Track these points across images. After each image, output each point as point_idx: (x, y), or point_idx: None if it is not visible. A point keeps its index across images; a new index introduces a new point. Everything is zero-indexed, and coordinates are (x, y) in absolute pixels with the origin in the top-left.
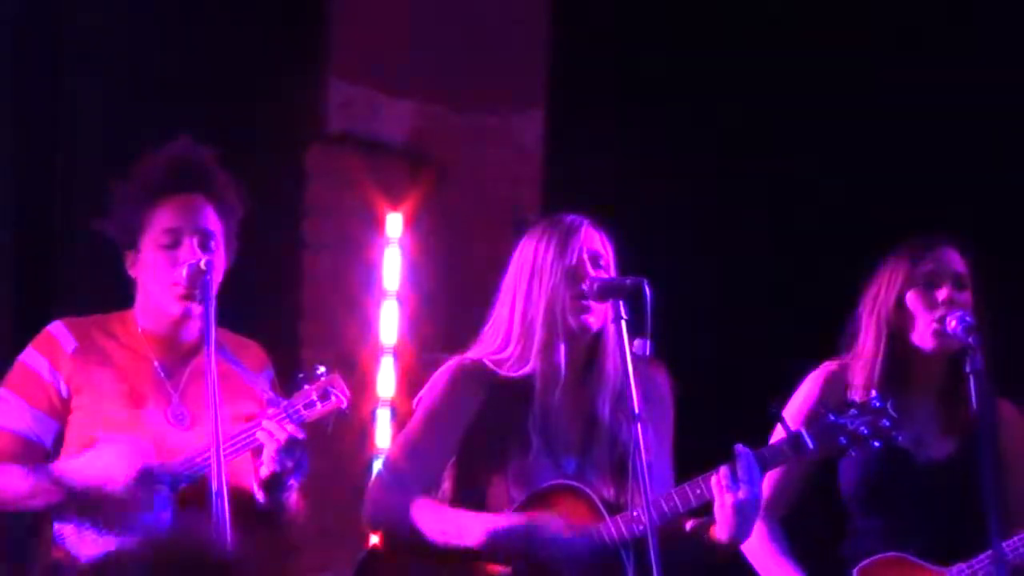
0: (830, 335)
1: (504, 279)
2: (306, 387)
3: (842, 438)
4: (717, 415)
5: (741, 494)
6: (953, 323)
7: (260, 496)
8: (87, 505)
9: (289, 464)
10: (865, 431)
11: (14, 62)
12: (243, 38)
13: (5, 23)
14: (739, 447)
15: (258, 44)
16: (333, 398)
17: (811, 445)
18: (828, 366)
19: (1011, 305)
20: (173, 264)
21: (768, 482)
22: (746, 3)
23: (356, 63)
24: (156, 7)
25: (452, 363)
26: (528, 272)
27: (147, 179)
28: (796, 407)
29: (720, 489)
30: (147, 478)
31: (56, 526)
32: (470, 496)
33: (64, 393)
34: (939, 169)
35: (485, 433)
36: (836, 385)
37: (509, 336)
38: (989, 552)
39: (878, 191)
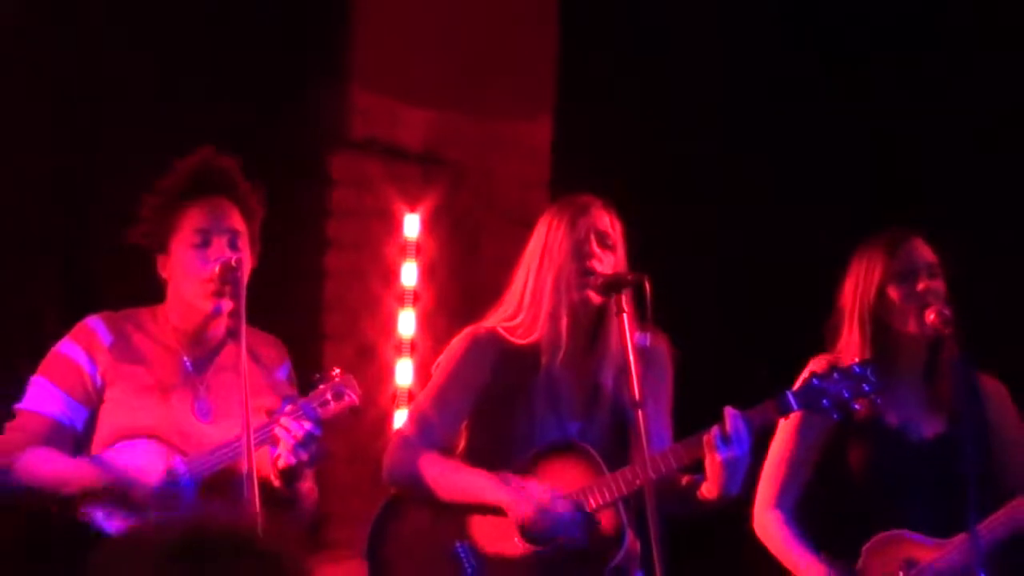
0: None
1: (522, 255)
2: (321, 387)
3: (825, 400)
4: (715, 400)
5: (730, 452)
6: (932, 316)
7: (276, 483)
8: (118, 496)
9: (304, 457)
10: (847, 394)
11: (52, 75)
12: (271, 51)
13: (45, 40)
14: (728, 408)
15: (285, 57)
16: (346, 397)
17: (795, 406)
18: (818, 362)
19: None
20: (204, 262)
21: (778, 473)
22: (750, 9)
23: (376, 74)
24: (188, 21)
25: (467, 332)
26: (541, 247)
27: (175, 185)
28: (787, 424)
29: (710, 447)
30: (173, 476)
31: (85, 508)
32: (481, 454)
33: (98, 383)
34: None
35: (496, 396)
36: None
37: (520, 305)
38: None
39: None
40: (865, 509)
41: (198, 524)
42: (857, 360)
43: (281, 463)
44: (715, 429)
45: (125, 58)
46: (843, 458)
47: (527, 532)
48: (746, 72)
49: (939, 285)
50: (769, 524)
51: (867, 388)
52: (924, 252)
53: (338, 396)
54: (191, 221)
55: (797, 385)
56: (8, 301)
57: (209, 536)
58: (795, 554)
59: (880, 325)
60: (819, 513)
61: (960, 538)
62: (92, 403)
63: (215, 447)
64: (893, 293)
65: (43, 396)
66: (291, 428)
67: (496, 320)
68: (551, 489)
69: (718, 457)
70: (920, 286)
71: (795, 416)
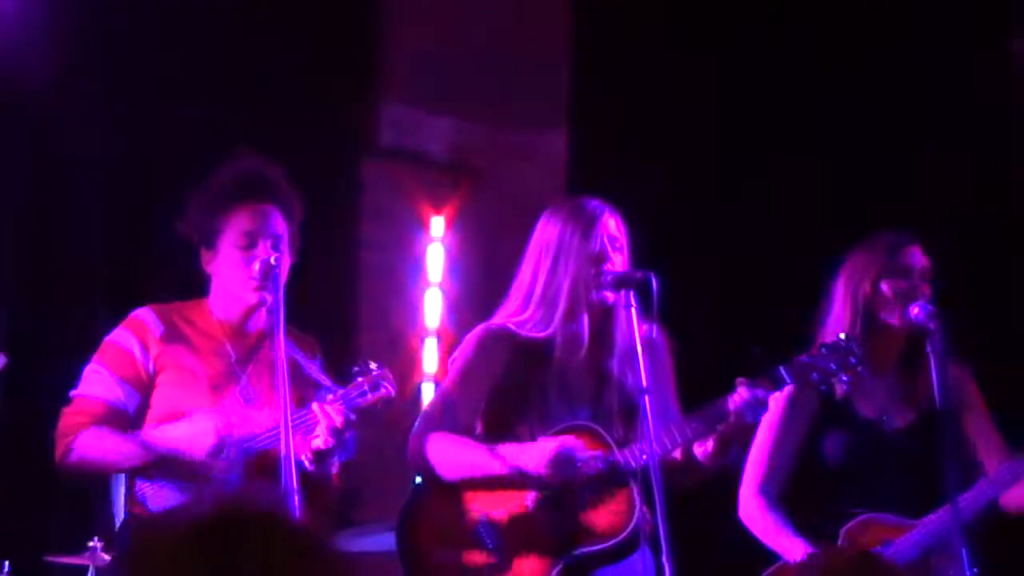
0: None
1: (527, 255)
2: (360, 379)
3: (814, 374)
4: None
5: (754, 417)
6: (916, 310)
7: (309, 466)
8: (171, 466)
9: (338, 442)
10: (833, 367)
11: (104, 97)
12: (308, 67)
13: (103, 57)
14: (740, 379)
15: (321, 72)
16: (382, 389)
17: (788, 380)
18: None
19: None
20: (249, 262)
21: (763, 460)
22: (756, 22)
23: (404, 87)
24: (236, 42)
25: (480, 328)
26: (554, 250)
27: (223, 188)
28: (775, 408)
29: (738, 415)
30: (222, 448)
31: (138, 484)
32: (497, 440)
33: (151, 370)
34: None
35: (510, 387)
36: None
37: (529, 302)
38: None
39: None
40: (843, 494)
41: (231, 504)
42: (841, 335)
43: (316, 443)
44: (737, 399)
45: (177, 73)
46: (822, 446)
47: (549, 476)
48: (758, 79)
49: (927, 287)
50: (754, 510)
51: (852, 360)
52: (920, 257)
53: (375, 388)
54: (239, 224)
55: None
56: (62, 298)
57: (241, 516)
58: (780, 538)
59: (868, 317)
60: (799, 499)
61: (932, 517)
62: (144, 388)
63: (259, 430)
64: (886, 288)
65: (98, 382)
66: (331, 414)
67: (505, 316)
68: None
69: (744, 422)
70: (913, 284)
71: (779, 405)
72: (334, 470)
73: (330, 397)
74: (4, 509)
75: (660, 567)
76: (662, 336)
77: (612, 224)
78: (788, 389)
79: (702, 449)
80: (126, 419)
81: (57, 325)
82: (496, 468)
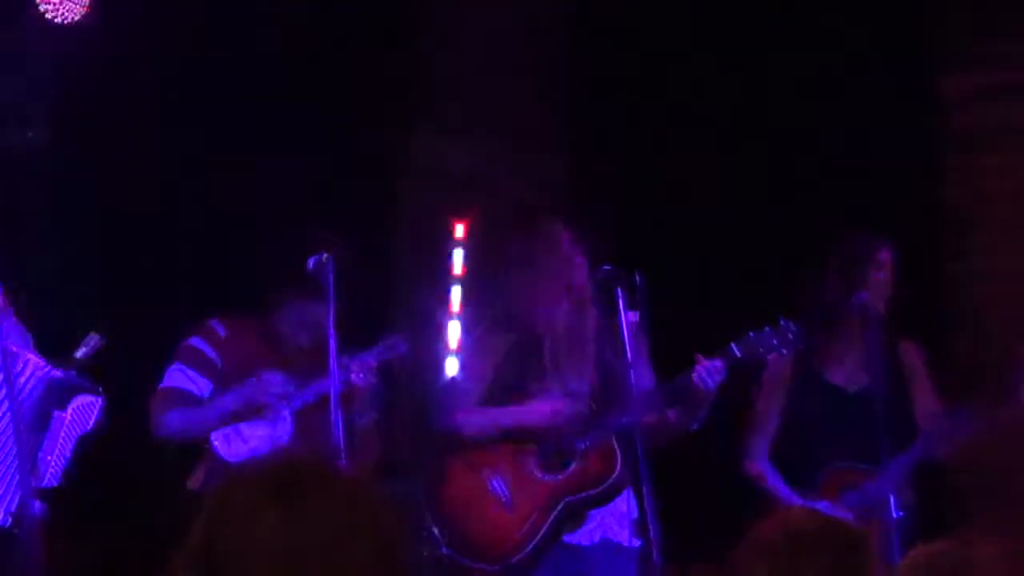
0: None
1: (511, 268)
2: (380, 345)
3: (760, 348)
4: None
5: (713, 382)
6: (863, 297)
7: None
8: (250, 405)
9: (369, 383)
10: (776, 342)
11: (162, 138)
12: (356, 102)
13: (189, 87)
14: (698, 355)
15: (366, 106)
16: (397, 348)
17: (738, 354)
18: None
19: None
20: (307, 333)
21: (758, 428)
22: (743, 47)
23: (431, 119)
24: (293, 78)
25: (488, 318)
26: (531, 263)
27: (293, 278)
28: (772, 369)
29: (701, 382)
30: (287, 394)
31: (212, 436)
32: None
33: (219, 365)
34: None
35: (511, 367)
36: (784, 358)
37: (518, 307)
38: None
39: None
40: (816, 447)
41: (294, 461)
42: (783, 320)
43: (358, 381)
44: (699, 370)
45: (250, 101)
46: (798, 409)
47: (548, 424)
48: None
49: (888, 284)
50: (754, 468)
51: (791, 337)
52: (888, 256)
53: (390, 348)
54: (322, 310)
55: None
56: (151, 313)
57: (302, 471)
58: (777, 490)
59: (841, 303)
60: (784, 452)
61: (890, 464)
62: (215, 379)
63: (310, 386)
64: (863, 278)
65: (177, 376)
66: (363, 372)
67: (498, 317)
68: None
69: (707, 390)
70: (882, 278)
71: (765, 383)
72: (369, 421)
73: (356, 363)
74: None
75: (642, 506)
76: (636, 320)
77: (569, 239)
78: (769, 369)
79: (673, 412)
80: (199, 403)
81: (145, 319)
82: (507, 423)
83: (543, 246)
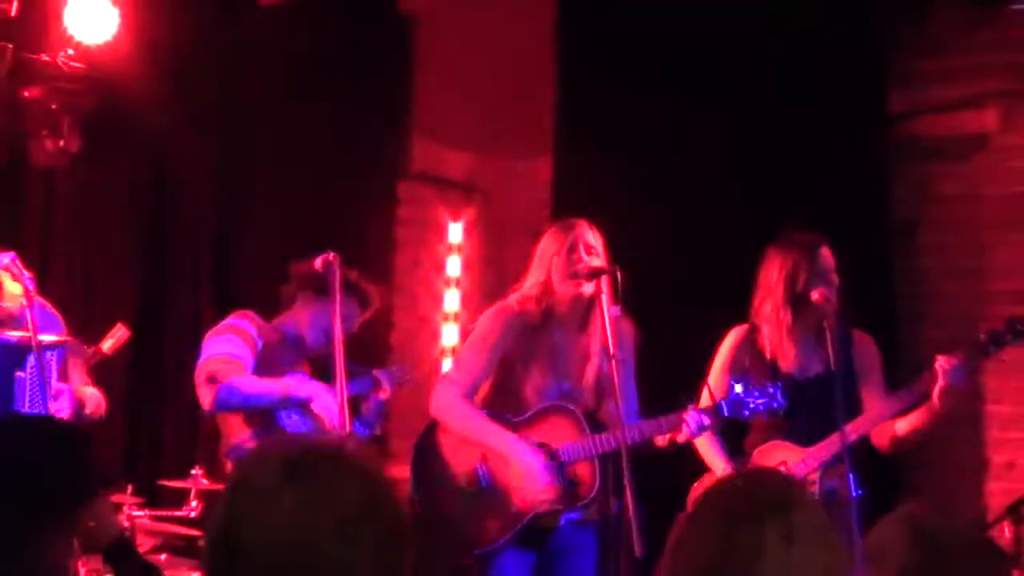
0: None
1: (533, 255)
2: (393, 367)
3: (745, 411)
4: (669, 366)
5: (696, 436)
6: (816, 295)
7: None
8: (294, 400)
9: (377, 418)
10: (761, 408)
11: (181, 146)
12: (361, 114)
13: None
14: (690, 412)
15: (370, 116)
16: (404, 373)
17: (726, 412)
18: (740, 328)
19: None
20: (324, 331)
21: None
22: (720, 63)
23: (429, 127)
24: (311, 96)
25: (497, 307)
26: (543, 253)
27: (326, 283)
28: (720, 360)
29: (688, 431)
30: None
31: (280, 415)
32: (499, 400)
33: (259, 345)
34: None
35: (512, 359)
36: (746, 342)
37: (531, 289)
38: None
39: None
40: (763, 426)
41: (305, 444)
42: (771, 388)
43: (383, 395)
44: (687, 419)
45: (268, 112)
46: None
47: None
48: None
49: (835, 278)
50: (704, 445)
51: (775, 405)
52: (829, 254)
53: (401, 371)
54: (338, 309)
55: (727, 362)
56: (177, 307)
57: (313, 454)
58: (714, 456)
59: (792, 297)
60: (738, 432)
61: (820, 443)
62: (257, 355)
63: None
64: (802, 277)
65: (236, 347)
66: (391, 381)
67: (515, 299)
68: (535, 450)
69: (688, 436)
70: (828, 275)
71: (720, 364)
72: (367, 435)
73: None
74: (131, 447)
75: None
76: (630, 327)
77: (588, 234)
78: (723, 353)
79: (661, 439)
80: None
81: (172, 304)
82: (487, 440)
83: (557, 236)
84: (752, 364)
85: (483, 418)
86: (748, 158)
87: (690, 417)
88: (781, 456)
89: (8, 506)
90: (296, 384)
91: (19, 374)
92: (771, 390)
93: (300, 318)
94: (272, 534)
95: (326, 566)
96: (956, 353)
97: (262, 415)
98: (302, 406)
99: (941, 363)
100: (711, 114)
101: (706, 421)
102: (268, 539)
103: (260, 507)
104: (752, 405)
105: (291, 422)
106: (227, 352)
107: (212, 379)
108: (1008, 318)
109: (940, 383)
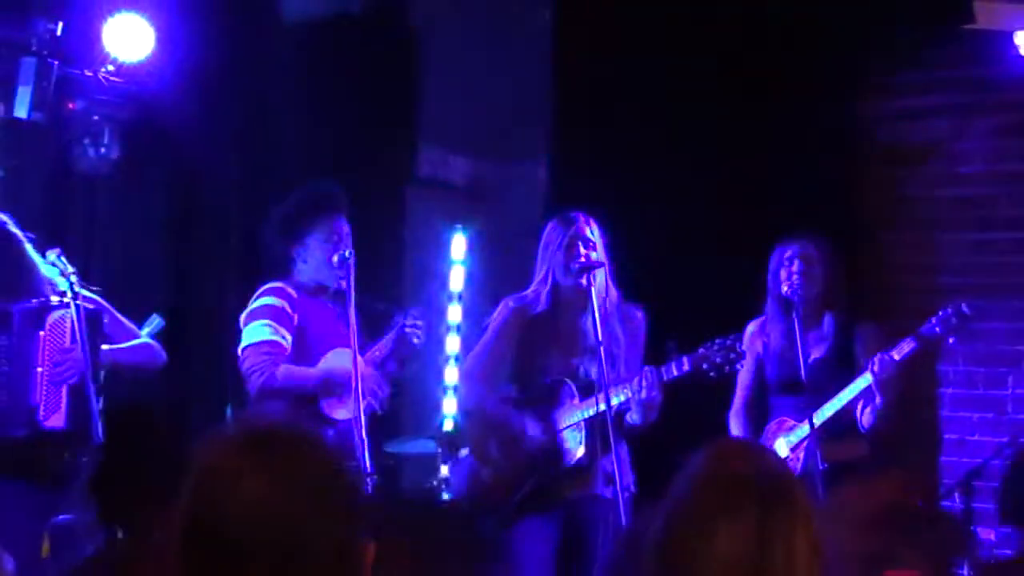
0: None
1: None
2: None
3: (705, 364)
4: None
5: (651, 394)
6: (786, 288)
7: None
8: (333, 386)
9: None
10: (719, 360)
11: (233, 134)
12: (370, 122)
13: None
14: (645, 367)
15: (379, 125)
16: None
17: (688, 366)
18: (750, 326)
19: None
20: (332, 254)
21: (738, 393)
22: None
23: (434, 132)
24: (323, 105)
25: (503, 305)
26: (544, 247)
27: (313, 200)
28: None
29: (635, 391)
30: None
31: (322, 401)
32: (518, 379)
33: (297, 321)
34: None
35: (523, 347)
36: (755, 338)
37: (532, 285)
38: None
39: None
40: (774, 404)
41: (268, 425)
42: (731, 337)
43: (416, 340)
44: (638, 380)
45: (283, 117)
46: (767, 371)
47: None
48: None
49: (804, 274)
50: (734, 421)
51: (733, 356)
52: (795, 253)
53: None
54: (326, 227)
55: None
56: (203, 282)
57: (279, 435)
58: (737, 428)
59: (776, 296)
60: (759, 411)
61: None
62: (294, 331)
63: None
64: (773, 278)
65: (269, 330)
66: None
67: (520, 295)
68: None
69: (644, 396)
70: (791, 272)
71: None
72: (392, 371)
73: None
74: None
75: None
76: (639, 314)
77: (585, 228)
78: (748, 344)
79: (630, 415)
80: (286, 354)
81: (199, 294)
82: (512, 425)
83: (556, 230)
84: (763, 350)
85: (505, 406)
86: (747, 159)
87: (648, 371)
88: (785, 429)
89: None
90: (332, 362)
91: (40, 333)
92: (729, 342)
93: (307, 267)
94: (246, 510)
95: (305, 532)
96: (907, 340)
97: (304, 402)
98: (342, 387)
99: (871, 363)
100: (709, 118)
101: (664, 377)
102: (242, 517)
103: (229, 488)
104: (712, 360)
105: (329, 405)
106: (264, 339)
107: (252, 371)
108: (954, 305)
109: (873, 379)
